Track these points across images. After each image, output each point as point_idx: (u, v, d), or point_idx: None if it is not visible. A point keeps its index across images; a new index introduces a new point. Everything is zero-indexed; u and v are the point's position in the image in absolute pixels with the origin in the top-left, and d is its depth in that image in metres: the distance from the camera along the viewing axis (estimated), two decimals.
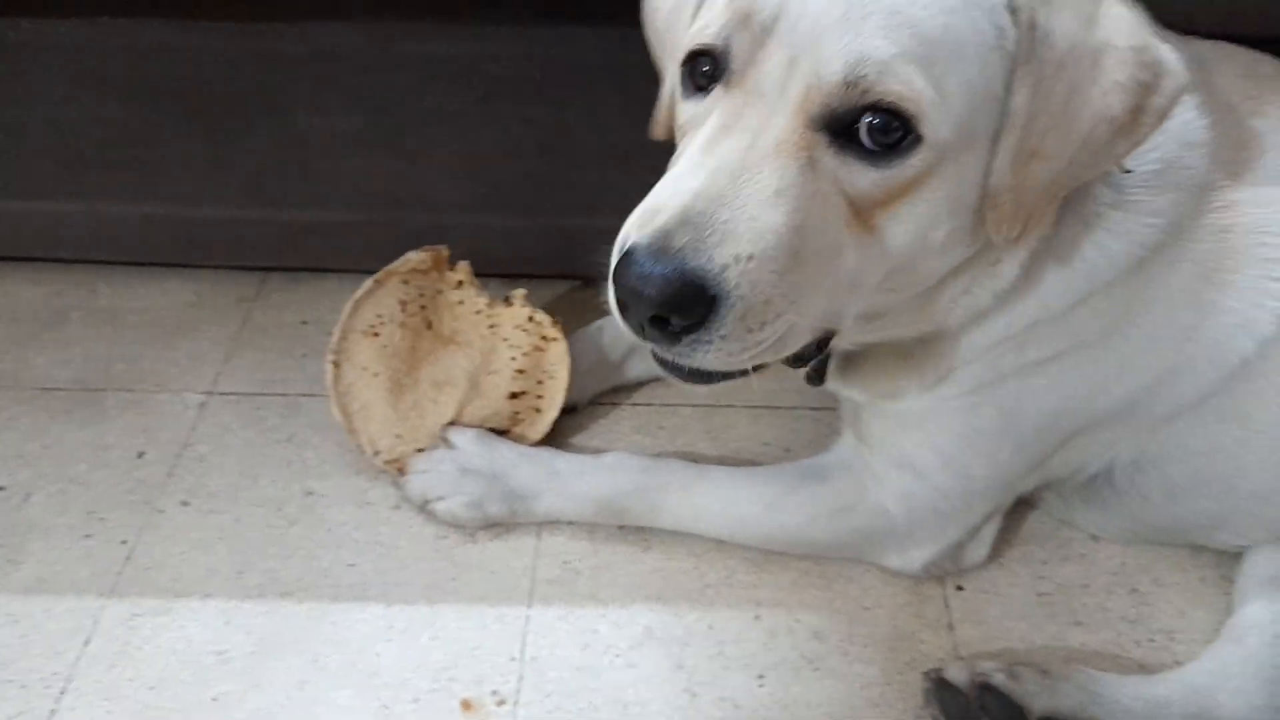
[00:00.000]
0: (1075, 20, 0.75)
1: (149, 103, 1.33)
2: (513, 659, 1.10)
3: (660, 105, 0.94)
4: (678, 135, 0.87)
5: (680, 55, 0.83)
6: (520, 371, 1.25)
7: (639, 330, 0.77)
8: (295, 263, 1.54)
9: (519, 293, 1.29)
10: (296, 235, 1.47)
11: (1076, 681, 1.00)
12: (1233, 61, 1.01)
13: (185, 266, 1.57)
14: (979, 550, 1.14)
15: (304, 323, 1.51)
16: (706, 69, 0.80)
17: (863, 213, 0.77)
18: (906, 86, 0.71)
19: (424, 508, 1.20)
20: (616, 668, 1.10)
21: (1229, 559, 1.16)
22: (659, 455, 1.30)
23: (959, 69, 0.73)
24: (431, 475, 1.19)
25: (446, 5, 1.18)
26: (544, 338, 1.26)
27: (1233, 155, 0.95)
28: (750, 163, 0.73)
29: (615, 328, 1.34)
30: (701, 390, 1.09)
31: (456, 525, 1.20)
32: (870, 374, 1.06)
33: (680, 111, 0.84)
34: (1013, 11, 0.74)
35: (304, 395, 1.39)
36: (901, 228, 0.79)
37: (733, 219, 0.72)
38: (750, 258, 0.72)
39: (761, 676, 1.09)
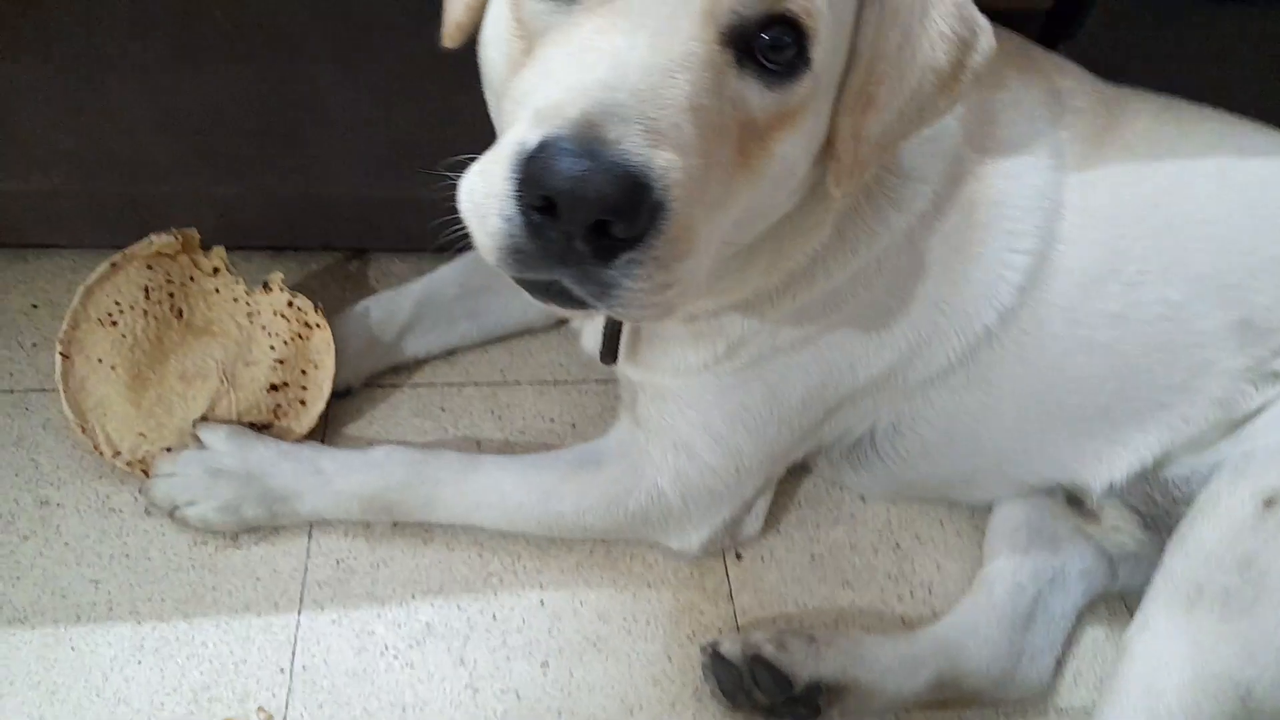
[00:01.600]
0: None
1: None
2: (281, 670, 1.04)
3: (454, 5, 0.82)
4: (495, 41, 0.77)
5: None
6: (280, 361, 1.16)
7: (561, 246, 0.63)
8: (14, 239, 1.36)
9: (277, 276, 1.19)
10: (8, 207, 1.29)
11: (840, 646, 1.05)
12: None
13: None
14: (753, 523, 1.16)
15: (34, 306, 1.34)
16: None
17: (745, 145, 0.72)
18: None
19: (172, 515, 1.10)
20: (394, 669, 1.06)
21: (982, 514, 1.24)
22: (440, 439, 1.26)
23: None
24: (178, 479, 1.09)
25: None
26: (306, 324, 1.17)
27: (977, 129, 0.98)
28: (660, 65, 0.65)
29: (387, 303, 1.29)
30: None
31: (210, 532, 1.11)
32: (656, 349, 1.04)
33: (525, 8, 0.72)
34: None
35: (34, 390, 1.24)
36: (774, 164, 0.75)
37: (660, 119, 0.63)
38: (679, 169, 0.63)
39: (545, 664, 1.08)
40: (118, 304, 1.14)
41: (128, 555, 1.10)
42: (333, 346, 1.17)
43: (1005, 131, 0.99)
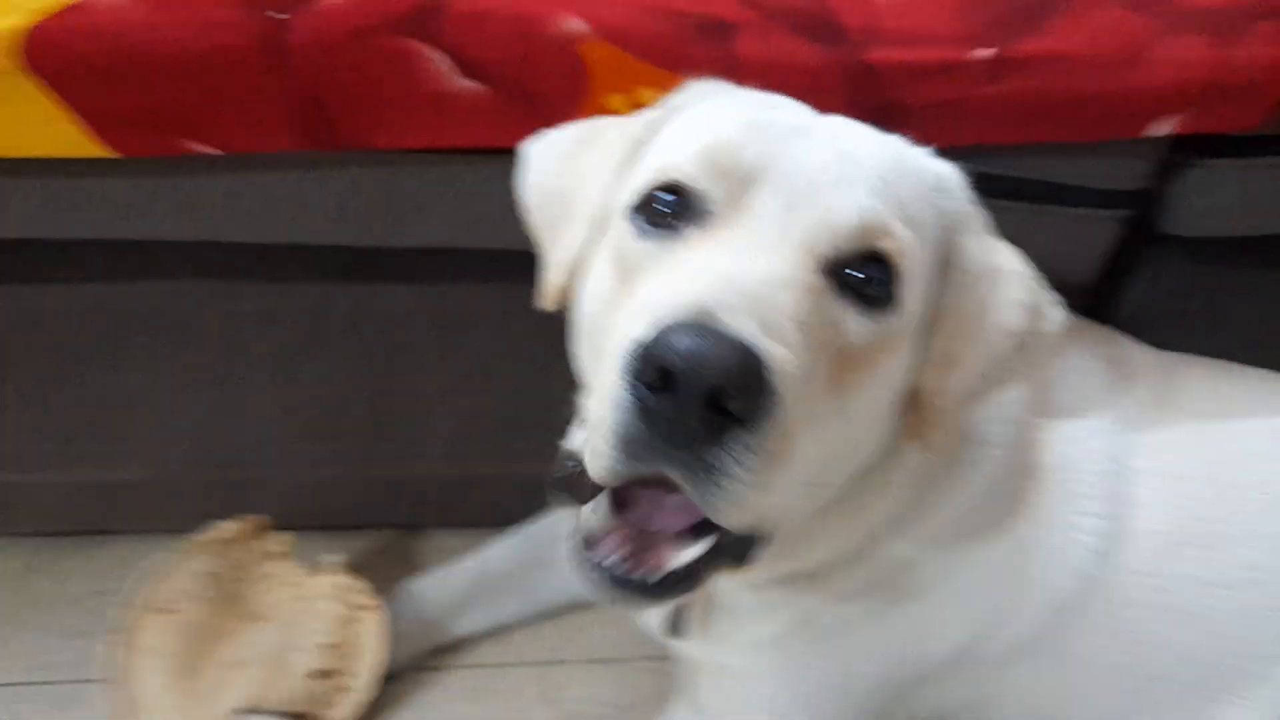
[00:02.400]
0: (980, 244, 0.82)
1: None
2: None
3: (550, 273, 0.88)
4: (596, 288, 0.82)
5: (637, 190, 0.79)
6: (329, 645, 1.13)
7: (673, 424, 0.63)
8: (85, 526, 1.40)
9: (332, 559, 1.19)
10: (87, 497, 1.34)
11: None
12: None
13: None
14: None
15: (100, 593, 1.35)
16: (668, 209, 0.77)
17: (839, 371, 0.73)
18: (904, 239, 0.74)
19: None
20: None
21: None
22: None
23: (921, 246, 0.77)
24: None
25: (248, 262, 1.15)
26: (358, 607, 1.16)
27: (1036, 395, 0.99)
28: (766, 279, 0.68)
29: (440, 582, 1.28)
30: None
31: None
32: (723, 622, 0.99)
33: (627, 249, 0.78)
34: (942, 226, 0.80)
35: (77, 682, 1.22)
36: (862, 395, 0.75)
37: (770, 318, 0.65)
38: (791, 362, 0.64)
39: None
40: (183, 591, 1.14)
41: None
42: (386, 631, 1.15)
43: (1066, 397, 1.00)
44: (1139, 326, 1.15)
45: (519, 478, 1.29)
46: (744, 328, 0.63)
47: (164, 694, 1.09)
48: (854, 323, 0.73)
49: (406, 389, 1.27)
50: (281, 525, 1.24)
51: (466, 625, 1.28)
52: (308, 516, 1.31)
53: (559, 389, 0.90)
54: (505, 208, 0.94)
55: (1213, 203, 1.10)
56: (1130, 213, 1.13)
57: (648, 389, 0.62)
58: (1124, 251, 1.19)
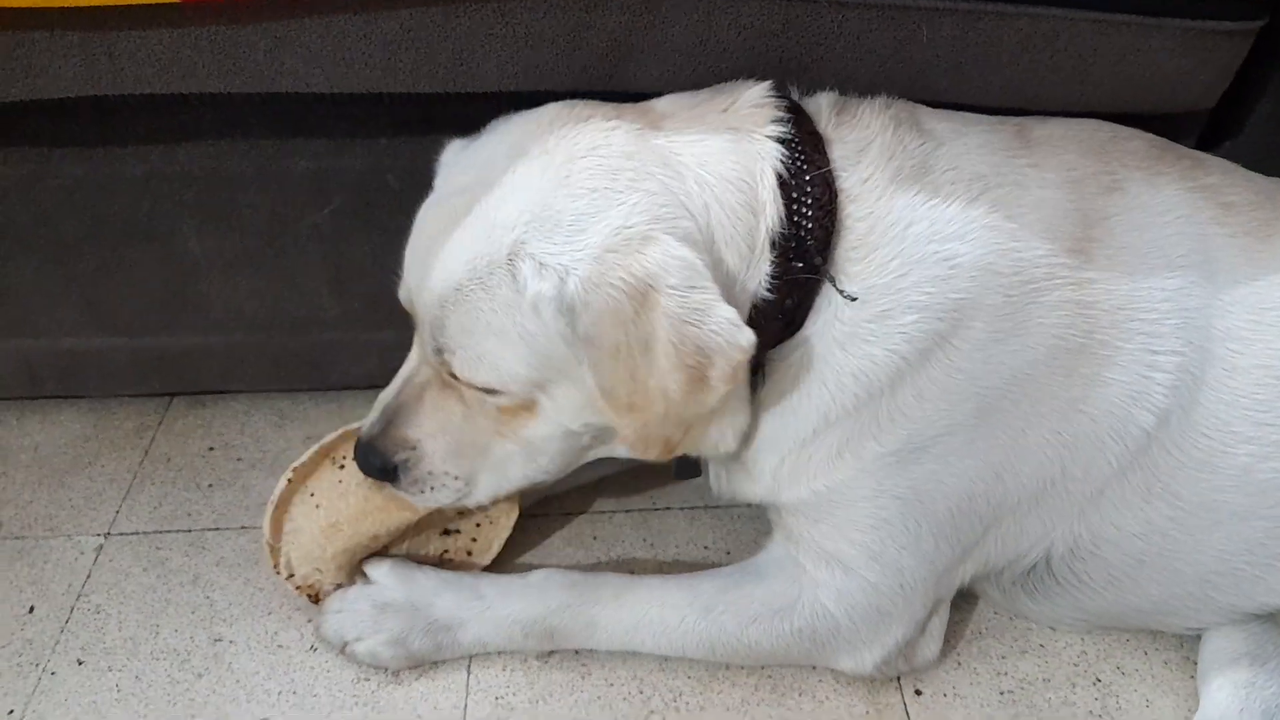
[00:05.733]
0: (614, 323, 0.86)
1: (10, 239, 1.26)
2: None
3: None
4: None
5: None
6: (459, 511, 1.17)
7: None
8: (196, 386, 1.45)
9: None
10: (194, 360, 1.38)
11: None
12: (1083, 141, 1.01)
13: (79, 398, 1.47)
14: (930, 646, 1.08)
15: (211, 449, 1.42)
16: None
17: (513, 416, 0.99)
18: (459, 365, 0.94)
19: (342, 650, 1.11)
20: None
21: (1191, 639, 1.11)
22: (593, 568, 1.23)
23: (508, 354, 0.92)
24: (347, 615, 1.10)
25: (296, 122, 1.15)
26: None
27: (1079, 232, 0.95)
28: (416, 389, 1.02)
29: None
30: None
31: (378, 666, 1.11)
32: (739, 478, 1.09)
33: None
34: (565, 317, 0.87)
35: (210, 530, 1.30)
36: (537, 430, 1.00)
37: (404, 423, 1.02)
38: (414, 447, 1.02)
39: None
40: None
41: (295, 692, 1.11)
42: (515, 509, 1.19)
43: (1124, 237, 0.96)
44: (1260, 155, 1.07)
45: None
46: (380, 446, 1.03)
47: (308, 536, 1.14)
48: (483, 398, 0.97)
49: None
50: (357, 386, 1.26)
51: (571, 478, 1.31)
52: (382, 379, 1.34)
53: None
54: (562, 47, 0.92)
55: None
56: (1265, 22, 1.04)
57: None
58: (1249, 71, 1.10)
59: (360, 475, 1.10)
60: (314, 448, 1.16)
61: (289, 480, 1.14)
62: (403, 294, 1.00)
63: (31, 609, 1.21)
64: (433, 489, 1.04)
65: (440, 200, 0.98)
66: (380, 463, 1.03)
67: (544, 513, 1.31)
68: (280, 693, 1.11)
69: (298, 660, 1.14)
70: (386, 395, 1.05)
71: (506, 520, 1.19)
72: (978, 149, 0.98)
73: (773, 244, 0.92)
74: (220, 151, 1.20)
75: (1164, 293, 0.95)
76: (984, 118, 1.03)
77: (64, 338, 1.35)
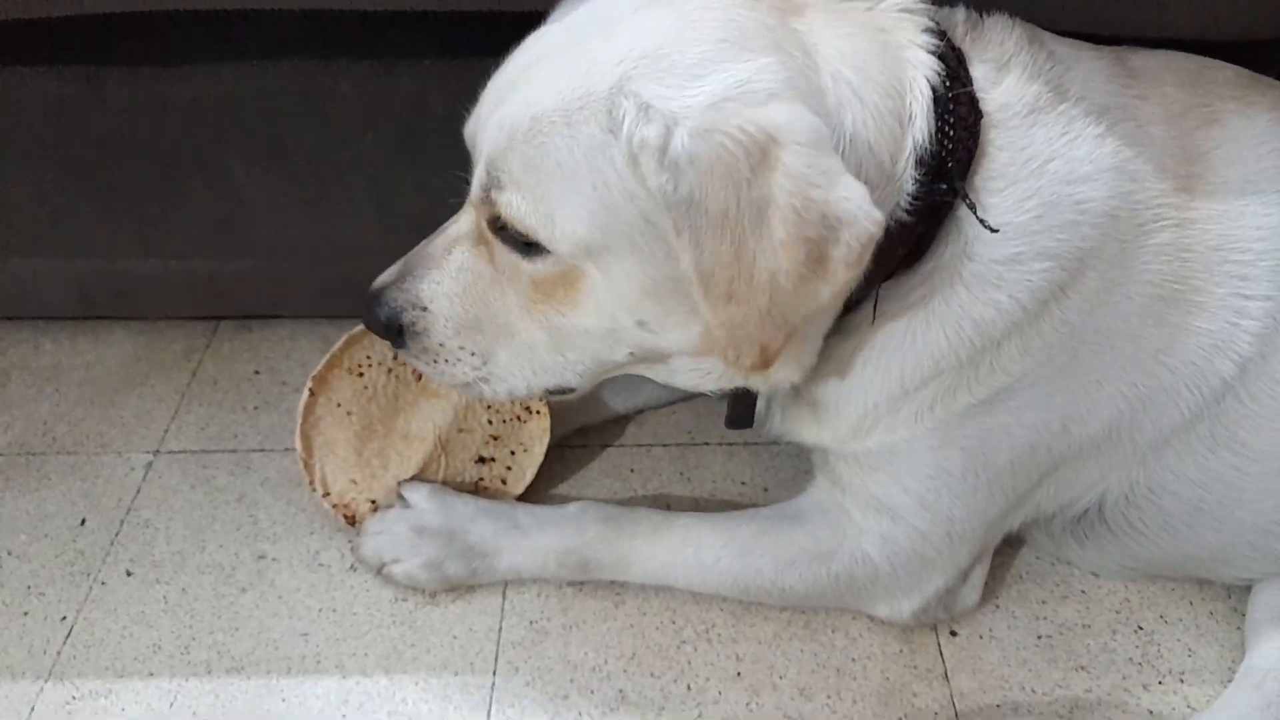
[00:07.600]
0: (726, 183, 0.74)
1: (63, 160, 1.28)
2: None
3: None
4: None
5: None
6: (494, 437, 1.19)
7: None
8: (243, 311, 1.47)
9: None
10: (241, 285, 1.40)
11: None
12: (1177, 72, 0.96)
13: (130, 319, 1.50)
14: (970, 594, 1.07)
15: (257, 372, 1.44)
16: None
17: (548, 295, 0.88)
18: (507, 203, 0.83)
19: (379, 571, 1.13)
20: None
21: (1239, 590, 1.09)
22: (629, 501, 1.24)
23: (571, 203, 0.80)
24: (385, 537, 1.12)
25: (347, 43, 1.14)
26: (527, 409, 1.20)
27: (1183, 169, 0.90)
28: (448, 241, 0.93)
29: None
30: None
31: (415, 588, 1.13)
32: (804, 420, 1.02)
33: None
34: (669, 172, 0.75)
35: (256, 450, 1.32)
36: (573, 318, 0.89)
37: (422, 275, 0.93)
38: (424, 308, 0.93)
39: None
40: (369, 358, 1.19)
41: (334, 610, 1.13)
42: (548, 435, 1.19)
43: (1223, 171, 0.91)
44: None
45: None
46: (390, 297, 0.94)
47: (342, 446, 1.17)
48: (519, 263, 0.87)
49: None
50: None
51: (606, 410, 1.31)
52: None
53: None
54: None
55: None
56: None
57: None
58: None
59: (384, 377, 1.12)
60: (326, 357, 1.18)
61: (310, 391, 1.16)
62: (469, 127, 0.89)
63: (84, 521, 1.24)
64: (446, 361, 0.94)
65: (546, 34, 0.87)
66: (385, 315, 0.93)
67: (581, 444, 1.31)
68: (320, 610, 1.13)
69: (338, 579, 1.16)
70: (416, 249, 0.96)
71: (539, 447, 1.20)
72: (1099, 76, 0.91)
73: (919, 161, 0.83)
74: (265, 74, 1.20)
75: (1259, 231, 0.90)
76: (1081, 42, 0.97)
77: (115, 259, 1.37)
